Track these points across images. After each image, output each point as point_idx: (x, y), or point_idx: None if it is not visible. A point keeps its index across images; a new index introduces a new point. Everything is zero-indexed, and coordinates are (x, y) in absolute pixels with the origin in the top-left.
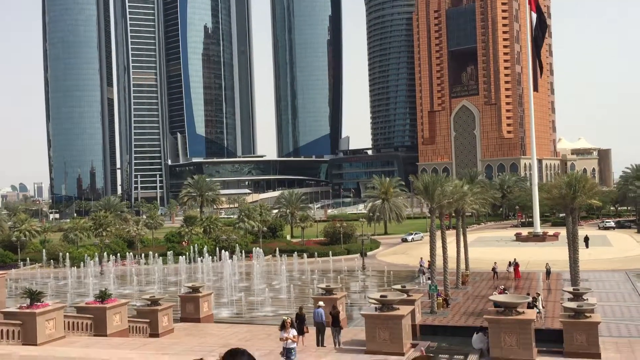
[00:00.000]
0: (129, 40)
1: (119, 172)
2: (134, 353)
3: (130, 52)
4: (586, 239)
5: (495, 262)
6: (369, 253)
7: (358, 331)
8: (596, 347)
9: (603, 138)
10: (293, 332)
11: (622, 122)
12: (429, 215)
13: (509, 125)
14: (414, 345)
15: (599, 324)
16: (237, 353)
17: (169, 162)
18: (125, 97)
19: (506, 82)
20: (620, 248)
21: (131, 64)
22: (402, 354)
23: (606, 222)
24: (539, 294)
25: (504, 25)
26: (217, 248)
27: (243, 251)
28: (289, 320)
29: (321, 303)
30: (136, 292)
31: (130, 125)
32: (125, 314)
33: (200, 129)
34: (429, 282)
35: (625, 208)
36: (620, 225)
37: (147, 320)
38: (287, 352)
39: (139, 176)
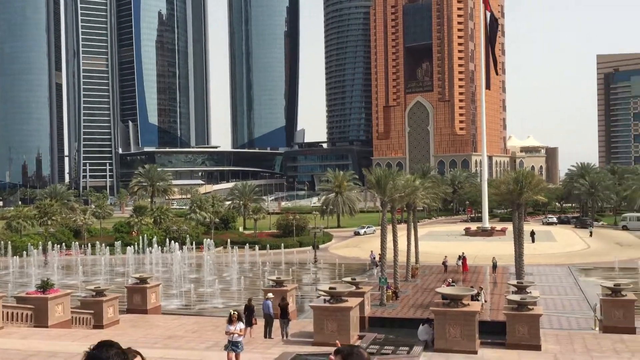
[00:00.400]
0: (80, 24)
1: (67, 159)
2: (74, 344)
3: (80, 36)
4: (532, 234)
5: (445, 256)
6: (321, 246)
7: (307, 323)
8: (537, 339)
9: (551, 137)
10: (240, 325)
11: (570, 121)
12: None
13: (461, 122)
14: (361, 337)
15: (540, 316)
16: (104, 345)
17: (120, 151)
18: (74, 82)
19: (460, 80)
20: (564, 243)
21: (81, 49)
22: None
23: (549, 217)
24: (482, 288)
25: (459, 23)
26: (168, 239)
27: (194, 242)
28: (235, 314)
29: (270, 295)
30: (81, 282)
31: (79, 112)
32: (68, 304)
33: (153, 117)
34: (380, 274)
35: (570, 205)
36: (561, 221)
37: (91, 312)
38: (232, 345)
39: (87, 164)
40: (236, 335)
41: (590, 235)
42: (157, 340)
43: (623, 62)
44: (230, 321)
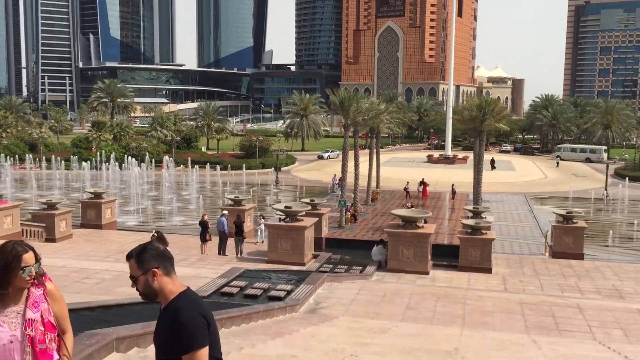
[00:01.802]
0: None
1: (24, 71)
2: None
3: None
4: (492, 162)
5: (407, 182)
6: (284, 168)
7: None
8: (488, 262)
9: (519, 68)
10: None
11: (538, 53)
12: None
13: (431, 49)
14: (315, 256)
15: (493, 240)
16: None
17: (80, 65)
18: None
19: (432, 5)
20: (523, 173)
21: None
22: (303, 264)
23: (504, 146)
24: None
25: None
26: (127, 156)
27: (153, 160)
28: (155, 236)
29: (225, 212)
30: (35, 196)
31: (37, 22)
32: (17, 216)
33: (115, 31)
34: (339, 197)
35: (532, 136)
36: (515, 150)
37: (43, 225)
38: None
39: (46, 77)
40: None
41: (557, 166)
42: (108, 254)
43: None
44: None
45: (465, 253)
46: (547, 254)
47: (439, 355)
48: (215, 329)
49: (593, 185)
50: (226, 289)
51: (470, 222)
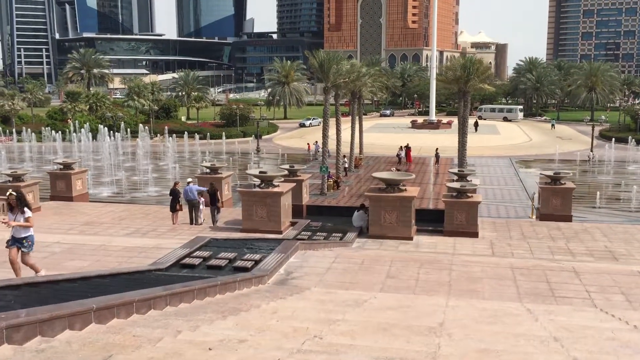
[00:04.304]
0: None
1: None
2: None
3: None
4: (476, 124)
5: (400, 147)
6: (266, 136)
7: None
8: (475, 226)
9: (502, 33)
10: (27, 214)
11: (521, 17)
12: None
13: (414, 15)
14: (293, 224)
15: (479, 203)
16: None
17: (57, 36)
18: None
19: None
20: (507, 136)
21: None
22: (280, 232)
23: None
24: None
25: None
26: (103, 126)
27: (128, 130)
28: (13, 196)
29: (190, 179)
30: (5, 169)
31: None
32: None
33: (92, 1)
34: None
35: (516, 100)
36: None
37: None
38: (15, 242)
39: (22, 50)
40: (20, 227)
41: (553, 128)
42: (72, 226)
43: None
44: (11, 208)
45: (450, 217)
46: (534, 217)
47: (421, 332)
48: None
49: (578, 148)
50: (187, 260)
51: (456, 185)
